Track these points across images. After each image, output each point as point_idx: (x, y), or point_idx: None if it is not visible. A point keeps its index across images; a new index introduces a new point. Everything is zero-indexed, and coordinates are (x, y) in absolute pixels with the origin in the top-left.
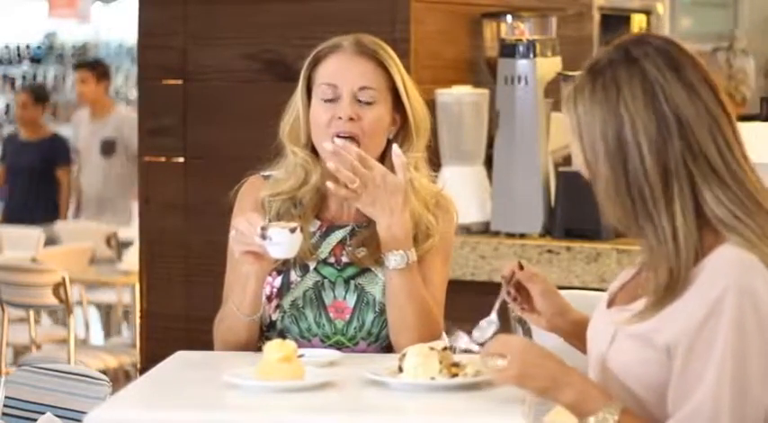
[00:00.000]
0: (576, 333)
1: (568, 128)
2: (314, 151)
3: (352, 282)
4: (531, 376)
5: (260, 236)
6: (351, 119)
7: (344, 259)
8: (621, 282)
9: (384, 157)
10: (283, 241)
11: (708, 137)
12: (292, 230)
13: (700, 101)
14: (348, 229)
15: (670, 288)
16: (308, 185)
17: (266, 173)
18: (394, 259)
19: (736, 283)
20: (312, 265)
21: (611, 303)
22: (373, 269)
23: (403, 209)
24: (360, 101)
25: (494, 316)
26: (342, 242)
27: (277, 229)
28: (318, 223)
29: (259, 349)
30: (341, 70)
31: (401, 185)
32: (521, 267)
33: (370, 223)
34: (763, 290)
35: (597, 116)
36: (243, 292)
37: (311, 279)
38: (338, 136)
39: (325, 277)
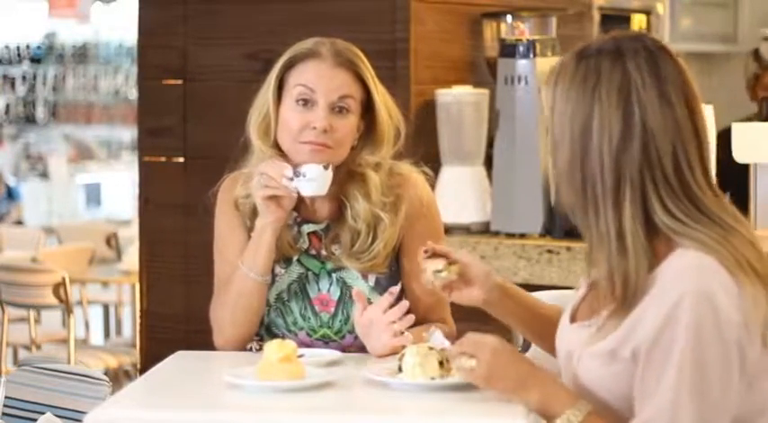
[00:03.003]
0: (509, 305)
1: (545, 103)
2: (280, 149)
3: (335, 275)
4: (499, 377)
5: (293, 174)
6: (325, 130)
7: (324, 253)
8: (581, 295)
9: (344, 164)
10: (317, 176)
11: (669, 150)
12: (325, 167)
13: (671, 114)
14: (322, 225)
15: (625, 297)
16: None
17: (245, 170)
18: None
19: (694, 287)
20: (295, 257)
21: (573, 318)
22: (350, 266)
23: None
24: (334, 110)
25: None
26: (316, 234)
27: (311, 164)
28: (295, 215)
29: (259, 349)
30: (320, 78)
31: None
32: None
33: (341, 219)
34: (721, 293)
35: (572, 100)
36: (257, 248)
37: (295, 271)
38: (309, 143)
39: (308, 269)
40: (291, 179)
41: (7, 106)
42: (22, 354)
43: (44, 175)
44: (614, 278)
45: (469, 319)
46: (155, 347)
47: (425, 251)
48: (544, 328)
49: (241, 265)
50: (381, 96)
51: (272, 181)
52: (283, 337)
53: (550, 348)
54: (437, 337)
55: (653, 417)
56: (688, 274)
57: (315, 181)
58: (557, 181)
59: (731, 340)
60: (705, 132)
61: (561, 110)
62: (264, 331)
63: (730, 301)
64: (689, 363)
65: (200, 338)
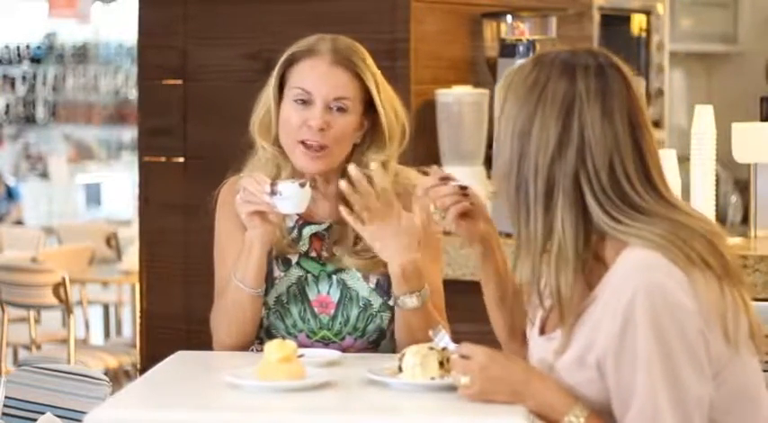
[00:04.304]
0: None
1: (497, 103)
2: (281, 148)
3: (335, 276)
4: (493, 392)
5: (269, 192)
6: (321, 129)
7: (325, 254)
8: (548, 306)
9: (348, 162)
10: (293, 195)
11: (605, 163)
12: (302, 185)
13: (611, 129)
14: (325, 225)
15: (560, 305)
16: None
17: (244, 175)
18: (410, 301)
19: (643, 285)
20: (294, 260)
21: (542, 330)
22: (351, 264)
23: (416, 250)
24: (332, 109)
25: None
26: (318, 235)
27: (287, 183)
28: (296, 217)
29: (260, 350)
30: (317, 79)
31: (416, 228)
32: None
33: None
34: (672, 285)
35: (518, 103)
36: (246, 261)
37: (294, 274)
38: (305, 143)
39: (308, 271)
40: (272, 193)
41: (7, 106)
42: (22, 354)
43: (44, 175)
44: (538, 283)
45: (468, 318)
46: (155, 347)
47: (442, 178)
48: (512, 289)
49: (233, 277)
50: (385, 95)
51: (253, 196)
52: (283, 340)
53: (505, 320)
54: (443, 336)
55: (635, 420)
56: (636, 272)
57: (290, 199)
58: (494, 178)
59: (691, 327)
60: (649, 146)
61: (508, 111)
62: (264, 334)
63: (682, 291)
64: (656, 356)
65: (200, 338)
